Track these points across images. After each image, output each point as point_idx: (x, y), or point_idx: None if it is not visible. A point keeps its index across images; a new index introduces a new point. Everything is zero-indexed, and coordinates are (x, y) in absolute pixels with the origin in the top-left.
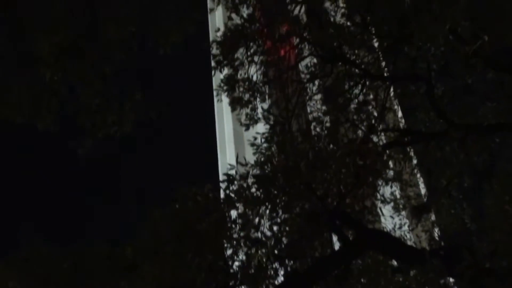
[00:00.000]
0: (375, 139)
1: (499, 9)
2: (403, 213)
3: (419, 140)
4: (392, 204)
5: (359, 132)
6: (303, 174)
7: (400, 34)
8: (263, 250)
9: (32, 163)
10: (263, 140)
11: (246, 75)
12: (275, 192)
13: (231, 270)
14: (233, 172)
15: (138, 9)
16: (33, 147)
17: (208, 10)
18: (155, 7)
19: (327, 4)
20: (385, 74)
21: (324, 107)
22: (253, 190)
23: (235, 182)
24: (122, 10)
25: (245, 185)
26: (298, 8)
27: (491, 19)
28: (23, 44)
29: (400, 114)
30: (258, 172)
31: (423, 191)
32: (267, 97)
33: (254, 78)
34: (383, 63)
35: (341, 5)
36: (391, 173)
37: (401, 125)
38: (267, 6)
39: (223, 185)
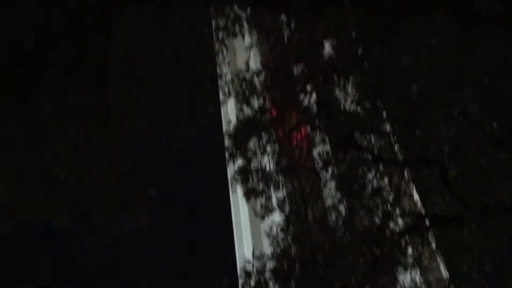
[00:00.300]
0: (391, 225)
1: (506, 91)
2: None
3: (436, 224)
4: None
5: (375, 218)
6: (320, 266)
7: (410, 119)
8: None
9: (47, 261)
10: (279, 230)
11: (259, 165)
12: (293, 286)
13: None
14: (250, 266)
15: (150, 104)
16: (48, 246)
17: (221, 102)
18: (167, 101)
19: (337, 92)
20: (399, 157)
21: (338, 194)
22: (271, 284)
23: (253, 277)
24: (135, 105)
25: (262, 279)
26: (308, 97)
27: (499, 101)
28: (39, 145)
29: (416, 197)
30: (275, 265)
31: (444, 275)
32: (281, 186)
33: (268, 168)
34: (396, 147)
35: (350, 91)
36: (410, 259)
37: (418, 208)
38: (277, 97)
39: (240, 281)
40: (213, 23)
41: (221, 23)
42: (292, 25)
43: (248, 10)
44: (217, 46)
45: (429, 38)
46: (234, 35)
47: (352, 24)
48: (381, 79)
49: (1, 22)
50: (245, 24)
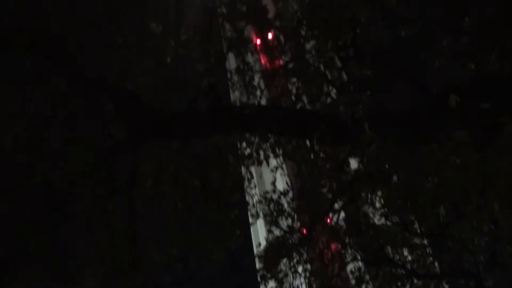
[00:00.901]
0: None
1: None
2: None
3: None
4: None
5: None
6: None
7: (441, 232)
8: None
9: None
10: None
11: (291, 287)
12: None
13: None
14: None
15: (179, 231)
16: None
17: (250, 225)
18: (196, 228)
19: (365, 207)
20: (433, 270)
21: None
22: None
23: None
24: (163, 234)
25: None
26: (336, 215)
27: None
28: (67, 278)
29: None
30: None
31: None
32: None
33: None
34: (430, 259)
35: (379, 206)
36: None
37: None
38: (305, 217)
39: None
40: (239, 151)
41: (246, 152)
42: (316, 148)
43: (271, 137)
44: (243, 172)
45: (452, 157)
46: (259, 162)
47: (374, 146)
48: (408, 197)
49: (28, 158)
50: (269, 149)
